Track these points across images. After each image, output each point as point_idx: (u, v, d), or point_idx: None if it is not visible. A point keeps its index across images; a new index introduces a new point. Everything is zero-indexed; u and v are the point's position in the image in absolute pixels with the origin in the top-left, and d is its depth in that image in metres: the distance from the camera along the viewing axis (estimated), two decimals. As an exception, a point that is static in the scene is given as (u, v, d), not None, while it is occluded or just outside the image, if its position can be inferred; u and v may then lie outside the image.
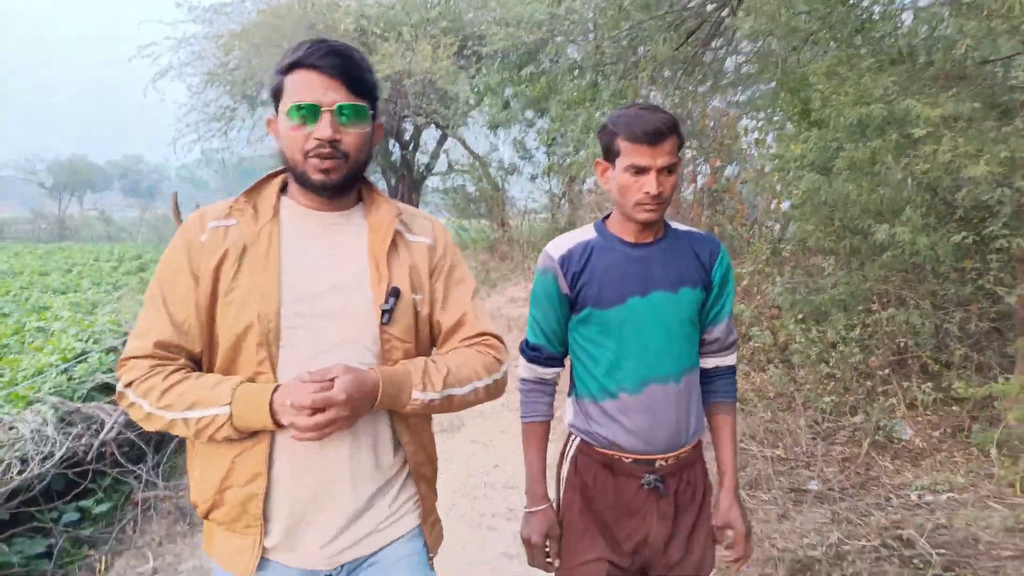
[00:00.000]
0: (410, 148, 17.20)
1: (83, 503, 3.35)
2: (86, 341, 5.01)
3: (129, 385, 1.26)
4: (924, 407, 3.70)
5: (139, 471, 3.61)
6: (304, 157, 1.27)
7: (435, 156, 17.56)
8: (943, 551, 2.71)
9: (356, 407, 1.19)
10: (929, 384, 3.68)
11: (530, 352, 1.69)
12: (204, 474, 1.31)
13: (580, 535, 1.62)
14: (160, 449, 3.87)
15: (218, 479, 1.28)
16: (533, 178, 14.26)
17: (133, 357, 1.27)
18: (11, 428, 3.26)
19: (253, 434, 1.25)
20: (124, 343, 4.94)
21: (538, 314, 1.65)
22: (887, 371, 3.99)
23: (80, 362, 4.50)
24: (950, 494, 3.12)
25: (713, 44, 5.16)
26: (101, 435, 3.54)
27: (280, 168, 1.39)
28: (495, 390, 1.42)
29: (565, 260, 1.60)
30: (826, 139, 3.58)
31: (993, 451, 3.21)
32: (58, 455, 3.24)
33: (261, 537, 1.29)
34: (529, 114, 12.73)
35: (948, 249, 3.26)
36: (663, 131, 1.45)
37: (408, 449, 1.38)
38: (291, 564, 1.31)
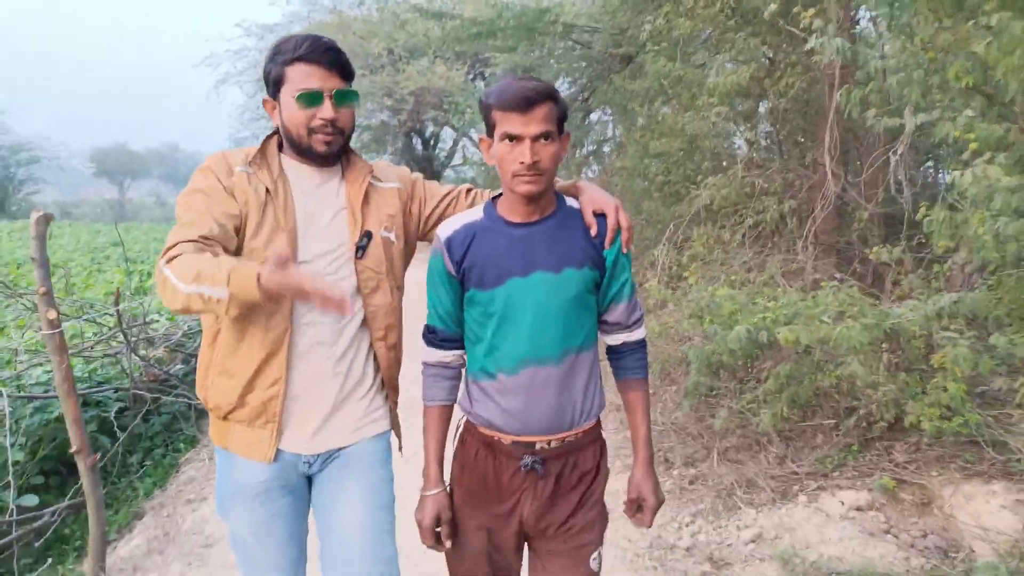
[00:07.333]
0: (430, 146, 21.49)
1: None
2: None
3: (169, 263, 1.35)
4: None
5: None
6: (308, 133, 1.55)
7: (451, 153, 21.90)
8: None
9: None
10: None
11: (427, 335, 1.67)
12: (227, 384, 1.58)
13: (462, 509, 1.66)
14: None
15: (240, 387, 1.57)
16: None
17: (177, 243, 1.38)
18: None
19: (276, 345, 1.55)
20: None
21: (432, 296, 1.64)
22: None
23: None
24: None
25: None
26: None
27: (271, 132, 1.65)
28: None
29: (450, 242, 1.58)
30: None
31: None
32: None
33: (278, 430, 1.60)
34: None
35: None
36: (532, 98, 1.41)
37: (383, 363, 1.71)
38: (288, 449, 1.64)
